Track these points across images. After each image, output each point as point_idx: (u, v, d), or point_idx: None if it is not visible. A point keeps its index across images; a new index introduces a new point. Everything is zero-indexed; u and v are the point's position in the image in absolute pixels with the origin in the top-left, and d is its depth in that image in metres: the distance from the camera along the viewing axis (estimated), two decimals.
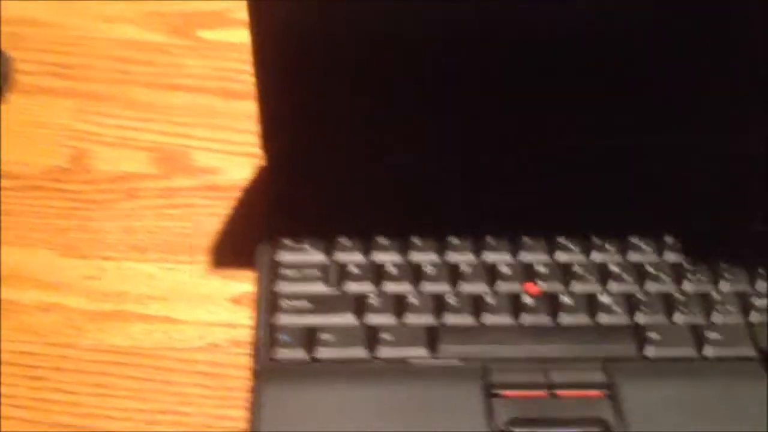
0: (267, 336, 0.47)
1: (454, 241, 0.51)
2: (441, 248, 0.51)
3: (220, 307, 0.51)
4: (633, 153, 0.54)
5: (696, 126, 0.54)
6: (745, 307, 0.49)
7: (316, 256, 0.50)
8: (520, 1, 0.49)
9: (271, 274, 0.49)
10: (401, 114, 0.53)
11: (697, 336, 0.48)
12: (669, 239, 0.52)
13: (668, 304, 0.49)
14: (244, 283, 0.51)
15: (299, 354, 0.46)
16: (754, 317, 0.49)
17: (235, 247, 0.53)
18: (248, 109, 0.53)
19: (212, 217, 0.55)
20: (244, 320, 0.50)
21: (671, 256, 0.51)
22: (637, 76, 0.52)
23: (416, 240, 0.51)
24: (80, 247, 0.53)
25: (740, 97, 0.53)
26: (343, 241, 0.51)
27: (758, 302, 0.49)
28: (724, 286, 0.50)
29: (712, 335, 0.48)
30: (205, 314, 0.51)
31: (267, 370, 0.46)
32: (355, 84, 0.51)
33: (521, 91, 0.52)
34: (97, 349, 0.49)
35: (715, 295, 0.49)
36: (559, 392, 0.45)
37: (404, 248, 0.51)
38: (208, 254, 0.53)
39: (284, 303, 0.48)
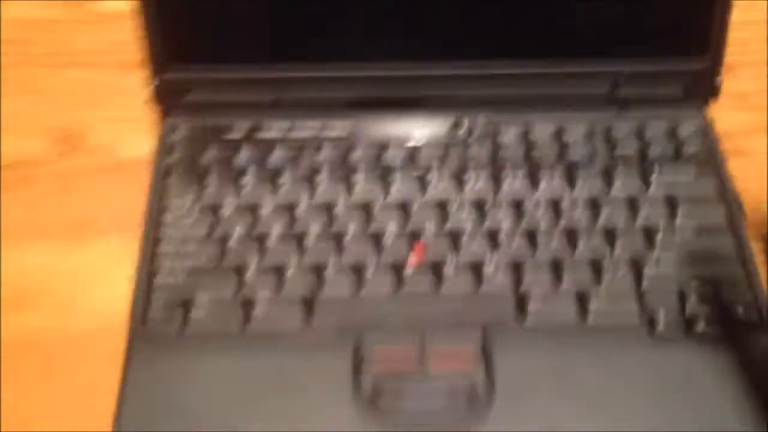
0: (142, 308, 0.46)
1: (340, 208, 0.50)
2: (327, 216, 0.50)
3: (119, 289, 0.49)
4: None
5: None
6: (637, 272, 0.47)
7: (199, 229, 0.49)
8: None
9: (153, 247, 0.49)
10: None
11: (582, 302, 0.46)
12: (565, 200, 0.50)
13: (555, 269, 0.47)
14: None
15: (173, 323, 0.46)
16: (645, 283, 0.46)
17: (137, 224, 0.52)
18: (143, 81, 0.52)
19: (111, 197, 0.54)
20: None
21: (565, 220, 0.49)
22: None
23: (301, 207, 0.50)
24: None
25: None
26: (227, 210, 0.50)
27: (650, 267, 0.47)
28: (618, 250, 0.48)
29: (597, 302, 0.46)
30: (105, 296, 0.50)
31: (140, 338, 0.46)
32: None
33: None
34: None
35: (606, 259, 0.47)
36: (430, 364, 0.44)
37: (289, 217, 0.50)
38: (109, 234, 0.53)
39: (161, 278, 0.47)
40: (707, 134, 0.52)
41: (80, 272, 0.51)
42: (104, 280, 0.50)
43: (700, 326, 0.45)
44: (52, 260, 0.52)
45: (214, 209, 0.50)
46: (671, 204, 0.49)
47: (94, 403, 0.45)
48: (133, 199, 0.52)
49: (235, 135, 0.53)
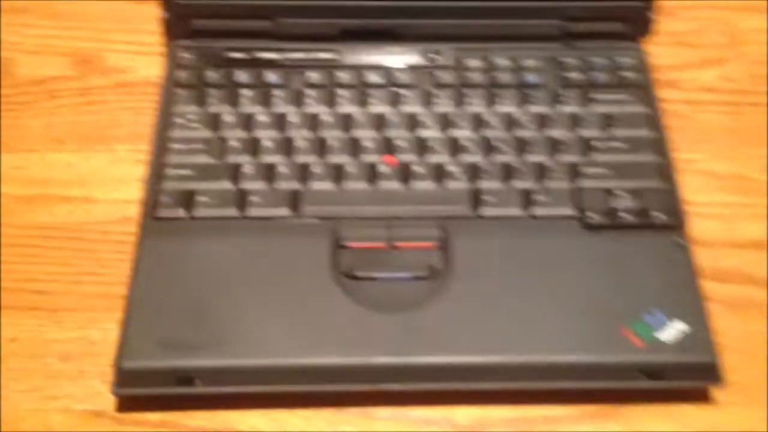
0: (152, 198, 0.55)
1: (325, 118, 0.58)
2: (313, 125, 0.58)
3: (131, 188, 0.58)
4: None
5: None
6: (574, 175, 0.55)
7: (203, 132, 0.57)
8: None
9: (162, 146, 0.57)
10: None
11: (527, 198, 0.54)
12: (517, 116, 0.58)
13: (506, 171, 0.56)
14: None
15: (179, 213, 0.54)
16: (580, 183, 0.55)
17: (146, 135, 0.60)
18: (156, 12, 0.61)
19: (124, 111, 0.62)
20: None
21: (517, 132, 0.58)
22: None
23: (291, 118, 0.58)
24: (7, 142, 0.61)
25: None
26: (228, 118, 0.58)
27: (586, 170, 0.56)
28: (559, 157, 0.56)
29: (540, 197, 0.54)
30: (118, 194, 0.58)
31: (150, 226, 0.54)
32: None
33: None
34: (27, 226, 0.57)
35: (549, 164, 0.56)
36: (398, 244, 0.53)
37: (281, 125, 0.58)
38: (121, 142, 0.61)
39: (170, 171, 0.56)
40: (642, 65, 0.61)
41: (96, 174, 0.59)
42: (117, 180, 0.59)
43: (622, 219, 0.53)
44: (72, 163, 0.60)
45: (216, 117, 0.58)
46: (608, 122, 0.58)
47: (111, 277, 0.54)
48: (143, 114, 0.61)
49: (235, 56, 0.61)
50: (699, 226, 0.55)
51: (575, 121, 0.58)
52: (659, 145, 0.57)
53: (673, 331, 0.48)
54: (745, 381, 0.50)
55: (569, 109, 0.59)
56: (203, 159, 0.56)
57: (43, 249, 0.56)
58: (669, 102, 0.61)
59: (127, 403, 0.49)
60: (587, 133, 0.57)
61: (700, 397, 0.49)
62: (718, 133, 0.61)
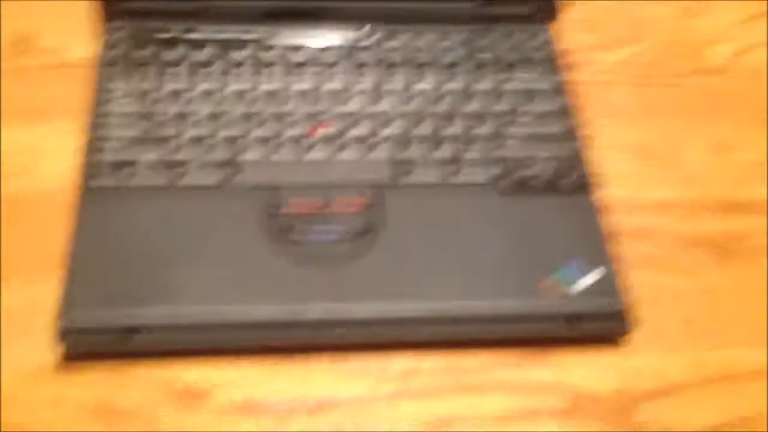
0: (89, 168, 0.56)
1: (253, 93, 0.61)
2: (243, 101, 0.60)
3: (70, 158, 0.58)
4: None
5: None
6: (491, 145, 0.59)
7: (135, 107, 0.59)
8: None
9: (97, 121, 0.58)
10: None
11: (447, 167, 0.58)
12: (437, 92, 0.62)
13: (428, 142, 0.59)
14: None
15: (114, 181, 0.56)
16: (497, 152, 0.59)
17: (82, 110, 0.61)
18: None
19: (59, 88, 0.63)
20: None
21: (437, 106, 0.61)
22: None
23: (218, 94, 0.60)
24: None
25: None
26: (162, 93, 0.60)
27: (503, 141, 0.60)
28: (477, 129, 0.60)
29: (459, 166, 0.58)
30: (58, 164, 0.59)
31: (87, 195, 0.55)
32: None
33: None
34: None
35: (468, 135, 0.60)
36: (329, 208, 0.56)
37: (210, 101, 0.60)
38: (58, 118, 0.62)
39: (105, 144, 0.57)
40: (550, 46, 0.65)
41: (36, 146, 0.60)
42: (57, 151, 0.60)
43: (535, 183, 0.58)
44: (11, 136, 0.61)
45: (150, 92, 0.60)
46: (519, 97, 0.62)
47: (54, 241, 0.54)
48: (78, 92, 0.62)
49: (164, 36, 0.63)
50: (610, 192, 0.60)
51: (490, 96, 0.62)
52: (566, 117, 0.61)
53: (586, 280, 0.53)
54: (659, 326, 0.55)
55: (484, 85, 0.63)
56: (136, 132, 0.58)
57: None
58: (579, 83, 0.66)
59: (71, 361, 0.51)
60: (501, 107, 0.61)
61: (617, 341, 0.54)
62: (624, 108, 0.66)
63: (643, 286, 0.55)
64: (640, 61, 0.70)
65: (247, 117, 0.59)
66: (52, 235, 0.55)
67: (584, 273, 0.53)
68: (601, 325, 0.53)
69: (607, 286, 0.53)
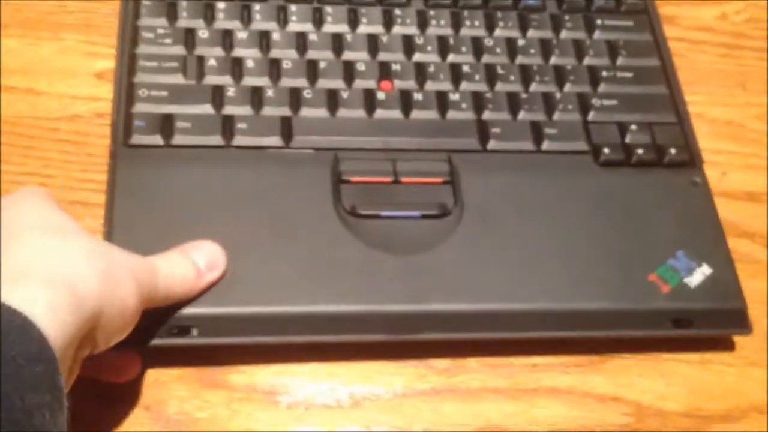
0: (124, 122, 0.48)
1: (313, 37, 0.52)
2: (300, 45, 0.52)
3: (82, 81, 0.52)
4: None
5: None
6: (584, 107, 0.52)
7: (176, 49, 0.51)
8: None
9: (130, 64, 0.50)
10: None
11: (537, 131, 0.51)
12: (520, 41, 0.54)
13: (513, 102, 0.52)
14: (107, 60, 0.52)
15: (155, 140, 0.48)
16: (591, 116, 0.52)
17: (101, 25, 0.54)
18: None
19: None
20: (106, 95, 0.51)
21: (521, 59, 0.54)
22: None
23: (275, 36, 0.52)
24: None
25: None
26: (203, 34, 0.51)
27: (596, 102, 0.52)
28: (567, 87, 0.53)
29: (550, 131, 0.51)
30: (67, 87, 0.52)
31: (124, 154, 0.47)
32: None
33: None
34: None
35: (557, 95, 0.52)
36: (404, 179, 0.48)
37: (265, 44, 0.52)
38: (70, 31, 0.54)
39: (142, 92, 0.49)
40: None
41: (42, 64, 0.53)
42: (65, 73, 0.52)
43: (638, 155, 0.51)
44: (14, 49, 0.53)
45: (190, 33, 0.51)
46: (612, 49, 0.55)
47: (57, 181, 0.48)
48: (95, 2, 0.54)
49: None
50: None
51: (580, 48, 0.54)
52: (668, 76, 0.54)
53: (699, 275, 0.46)
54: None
55: (572, 35, 0.55)
56: (179, 79, 0.50)
57: None
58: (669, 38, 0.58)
59: None
60: (593, 61, 0.54)
61: (726, 345, 0.48)
62: (713, 75, 0.59)
63: None
64: (737, 21, 0.62)
65: (306, 65, 0.51)
66: (56, 172, 0.49)
67: (696, 265, 0.47)
68: (713, 327, 0.47)
69: (722, 281, 0.47)
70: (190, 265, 0.42)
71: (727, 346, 0.48)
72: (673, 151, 0.51)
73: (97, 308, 0.35)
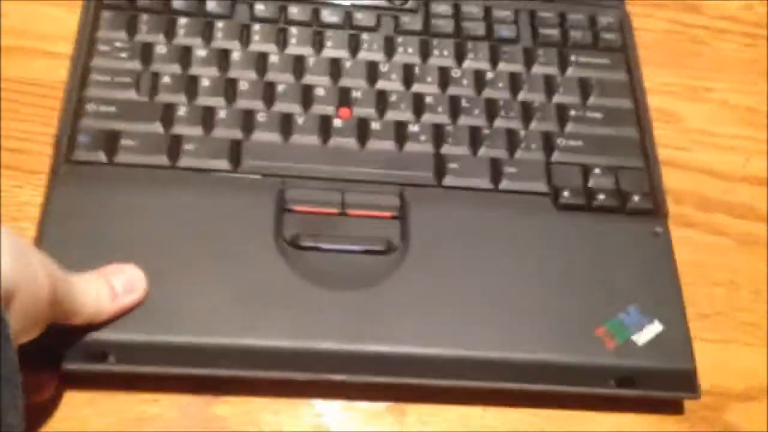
0: (68, 137, 0.47)
1: (273, 58, 0.51)
2: (260, 66, 0.51)
3: None
4: None
5: None
6: (548, 146, 0.50)
7: (131, 64, 0.50)
8: None
9: (82, 76, 0.49)
10: None
11: (496, 169, 0.49)
12: (488, 74, 0.52)
13: (475, 137, 0.50)
14: None
15: (98, 156, 0.46)
16: (555, 156, 0.50)
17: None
18: None
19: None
20: None
21: (488, 92, 0.52)
22: None
23: (235, 56, 0.51)
24: None
25: None
26: (161, 50, 0.50)
27: (561, 142, 0.50)
28: (533, 125, 0.51)
29: (510, 169, 0.49)
30: None
31: (64, 170, 0.46)
32: None
33: None
34: (2, 78, 0.51)
35: (522, 132, 0.50)
36: (350, 211, 0.47)
37: (224, 63, 0.50)
38: None
39: (90, 107, 0.48)
40: (623, 26, 0.55)
41: None
42: None
43: (599, 201, 0.49)
44: (58, 17, 0.53)
45: (148, 47, 0.50)
46: (584, 87, 0.53)
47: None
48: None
49: None
50: (712, 156, 0.54)
51: (550, 84, 0.52)
52: (640, 118, 0.52)
53: (648, 332, 0.44)
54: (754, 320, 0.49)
55: (544, 69, 0.53)
56: (130, 95, 0.49)
57: (19, 105, 0.50)
58: (689, 26, 0.59)
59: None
60: (563, 99, 0.52)
61: (674, 406, 0.45)
62: (735, 63, 0.59)
63: (742, 269, 0.50)
64: (761, 12, 0.61)
65: (263, 87, 0.50)
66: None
67: (647, 321, 0.45)
68: (658, 388, 0.44)
69: (672, 339, 0.44)
70: (104, 285, 0.41)
71: (676, 408, 0.45)
72: (636, 198, 0.49)
73: (11, 282, 0.34)
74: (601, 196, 0.49)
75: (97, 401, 0.43)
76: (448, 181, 0.48)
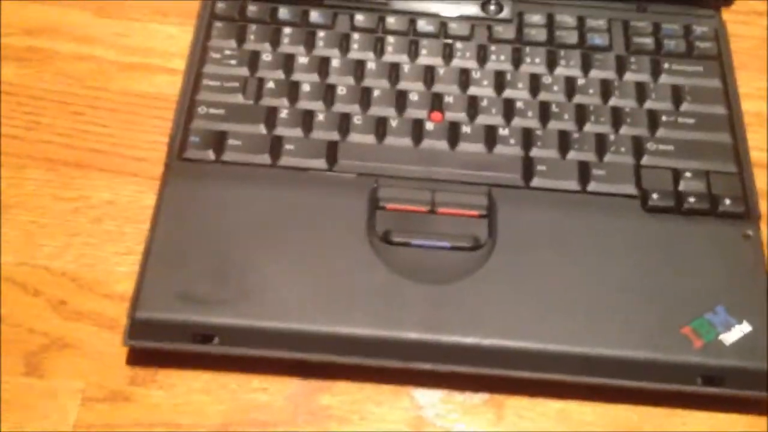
0: (180, 136, 0.51)
1: (371, 65, 0.54)
2: (358, 73, 0.53)
3: None
4: None
5: None
6: (638, 150, 0.51)
7: (239, 70, 0.53)
8: None
9: (195, 81, 0.52)
10: None
11: (584, 171, 0.50)
12: (579, 80, 0.53)
13: (564, 141, 0.51)
14: None
15: (207, 155, 0.50)
16: (644, 160, 0.50)
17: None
18: None
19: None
20: None
21: (579, 98, 0.53)
22: None
23: (335, 63, 0.54)
24: (110, 9, 0.59)
25: None
26: (266, 57, 0.54)
27: (651, 146, 0.51)
28: (623, 129, 0.52)
29: (598, 172, 0.50)
30: None
31: (176, 167, 0.50)
32: None
33: None
34: (125, 93, 0.56)
35: (611, 136, 0.51)
36: (440, 210, 0.48)
37: (324, 70, 0.53)
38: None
39: (201, 109, 0.51)
40: (718, 36, 0.56)
41: None
42: None
43: (689, 204, 0.49)
44: (174, 35, 0.58)
45: (255, 55, 0.54)
46: (677, 94, 0.53)
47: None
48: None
49: None
50: None
51: (642, 91, 0.53)
52: (733, 124, 0.52)
53: (737, 332, 0.44)
54: None
55: (636, 77, 0.54)
56: (237, 99, 0.52)
57: (142, 117, 0.55)
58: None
59: (138, 356, 0.46)
60: (654, 105, 0.53)
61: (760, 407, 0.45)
62: None
63: None
64: None
65: (360, 92, 0.52)
66: None
67: (734, 322, 0.45)
68: (744, 388, 0.44)
69: (759, 340, 0.44)
70: None
71: (761, 409, 0.45)
72: (727, 201, 0.49)
73: None
74: (692, 199, 0.49)
75: (211, 390, 0.45)
76: (535, 182, 0.50)
